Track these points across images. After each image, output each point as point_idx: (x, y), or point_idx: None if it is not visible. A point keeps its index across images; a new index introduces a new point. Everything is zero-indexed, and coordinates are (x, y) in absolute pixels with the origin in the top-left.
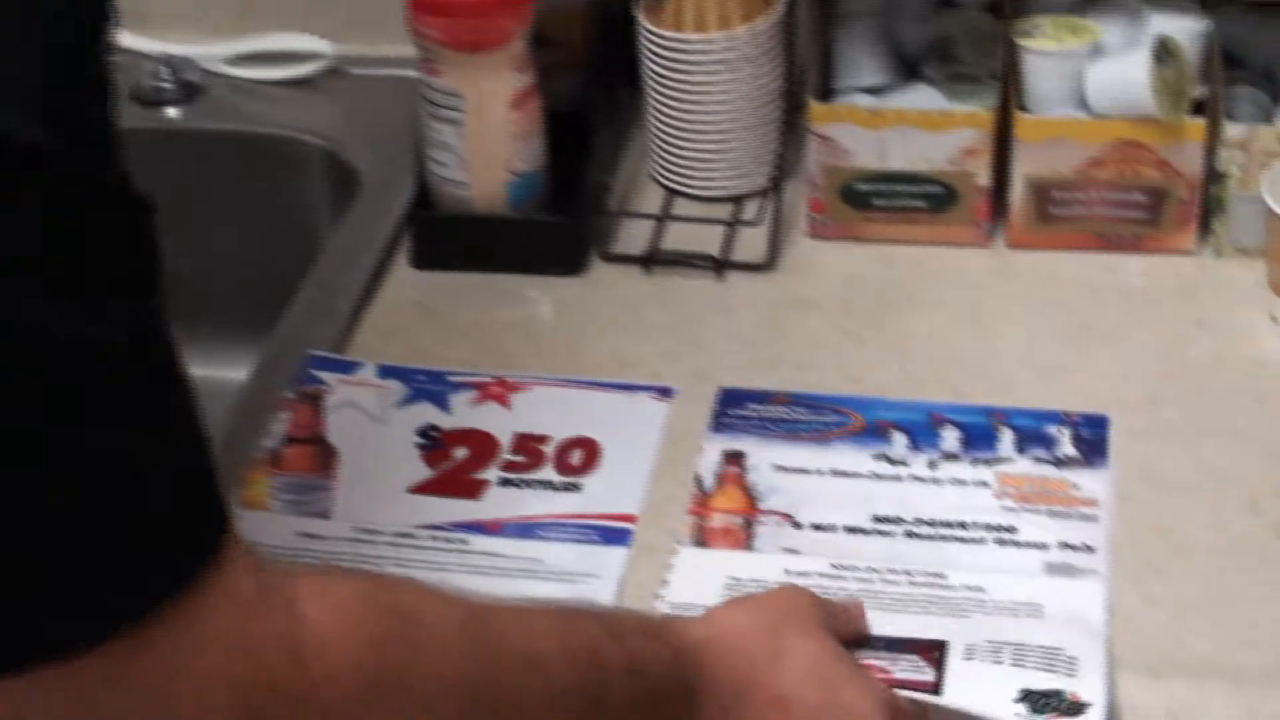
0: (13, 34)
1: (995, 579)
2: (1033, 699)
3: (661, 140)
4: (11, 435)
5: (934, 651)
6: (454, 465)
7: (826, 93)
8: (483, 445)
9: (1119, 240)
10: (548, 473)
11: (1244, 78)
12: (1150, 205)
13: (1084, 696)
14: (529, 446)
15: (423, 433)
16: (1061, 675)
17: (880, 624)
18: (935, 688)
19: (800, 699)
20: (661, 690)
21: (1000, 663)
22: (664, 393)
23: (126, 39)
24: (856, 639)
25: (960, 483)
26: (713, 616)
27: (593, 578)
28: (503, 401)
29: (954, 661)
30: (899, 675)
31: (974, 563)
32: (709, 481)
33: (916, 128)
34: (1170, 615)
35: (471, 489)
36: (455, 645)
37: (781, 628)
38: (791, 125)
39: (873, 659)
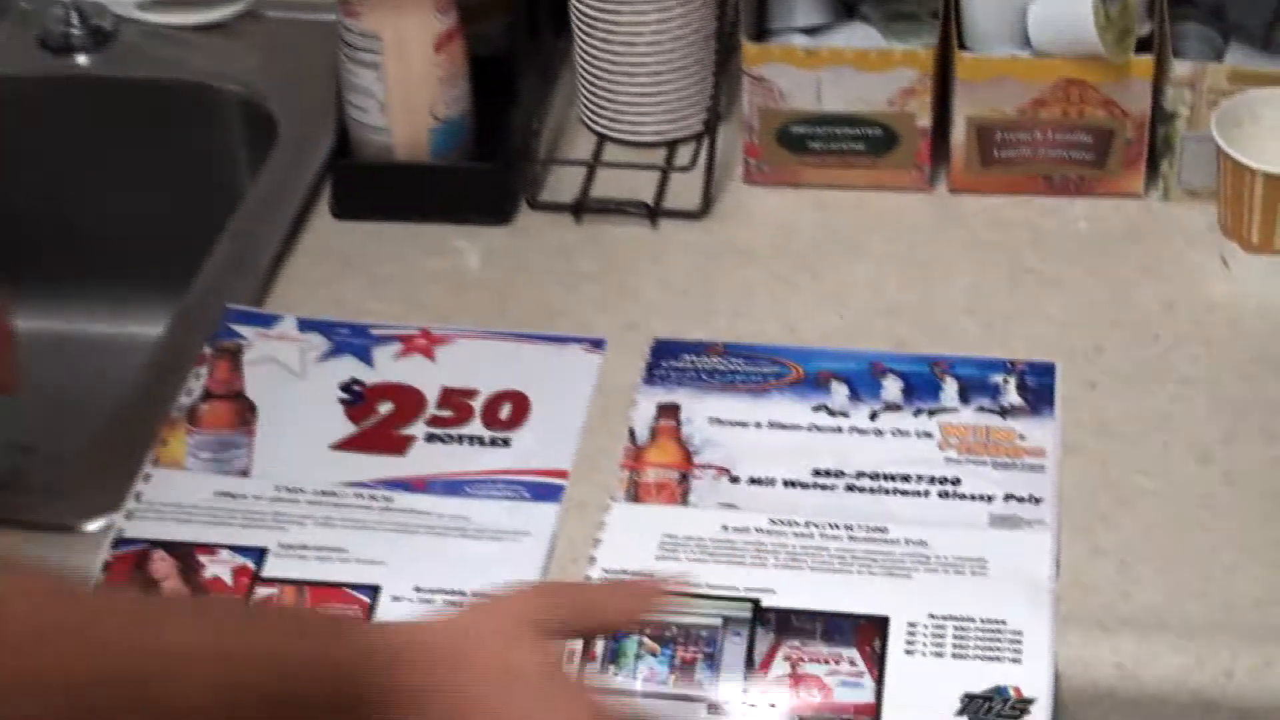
0: None
1: (939, 533)
2: (974, 708)
3: (591, 84)
4: None
5: (874, 639)
6: (378, 421)
7: (761, 33)
8: (408, 400)
9: (1064, 183)
10: (475, 427)
11: (1191, 14)
12: (1096, 146)
13: (1027, 690)
14: (456, 401)
15: (345, 388)
16: (1005, 661)
17: (820, 586)
18: (875, 712)
19: (502, 708)
20: (329, 695)
21: (941, 653)
22: (595, 344)
23: None
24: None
25: (902, 434)
26: (427, 621)
27: (524, 535)
28: (428, 355)
29: (894, 660)
30: (839, 697)
31: (917, 516)
32: (643, 435)
33: (854, 68)
34: (1118, 567)
35: (396, 445)
36: (51, 640)
37: (502, 636)
38: (725, 67)
39: (810, 668)
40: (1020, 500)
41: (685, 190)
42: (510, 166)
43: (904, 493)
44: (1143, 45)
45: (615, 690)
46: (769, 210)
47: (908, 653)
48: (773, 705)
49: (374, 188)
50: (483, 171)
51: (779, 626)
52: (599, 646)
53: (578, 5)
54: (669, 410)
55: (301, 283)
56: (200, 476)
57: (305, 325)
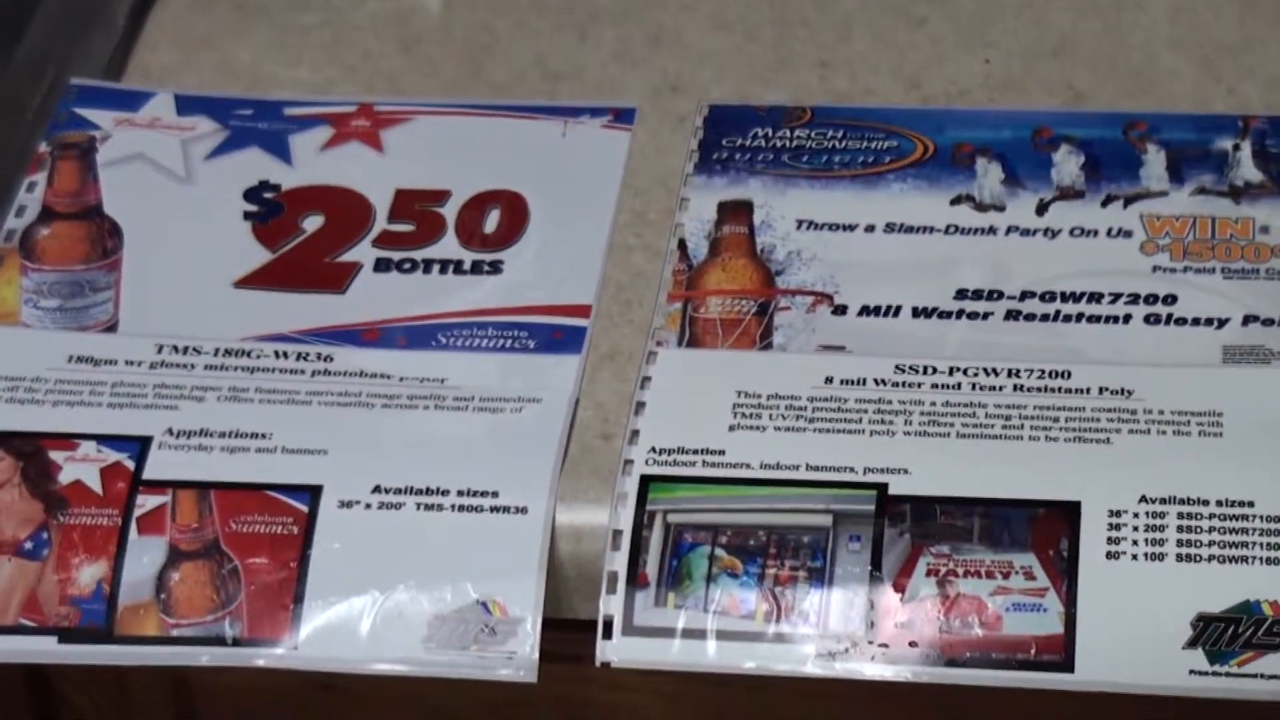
0: None
1: (1148, 376)
2: (1211, 635)
3: None
4: None
5: (1059, 539)
6: (303, 242)
7: None
8: (346, 210)
9: None
10: (448, 247)
11: None
12: None
13: None
14: (417, 209)
15: (253, 195)
16: (1256, 564)
17: (974, 463)
18: (1066, 647)
19: None
20: None
21: (1161, 555)
22: (620, 116)
23: None
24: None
25: (1087, 233)
26: None
27: (529, 402)
28: (372, 142)
29: (1091, 569)
30: (1011, 628)
31: (1114, 352)
32: (699, 249)
33: None
34: None
35: (332, 278)
36: None
37: None
38: None
39: (967, 584)
40: (1267, 323)
41: None
42: None
43: (1093, 319)
44: None
45: (678, 630)
46: None
47: (1111, 556)
48: (913, 644)
49: None
50: None
51: (917, 524)
52: (651, 563)
53: None
54: (737, 210)
55: (177, 41)
56: (45, 335)
57: (187, 104)
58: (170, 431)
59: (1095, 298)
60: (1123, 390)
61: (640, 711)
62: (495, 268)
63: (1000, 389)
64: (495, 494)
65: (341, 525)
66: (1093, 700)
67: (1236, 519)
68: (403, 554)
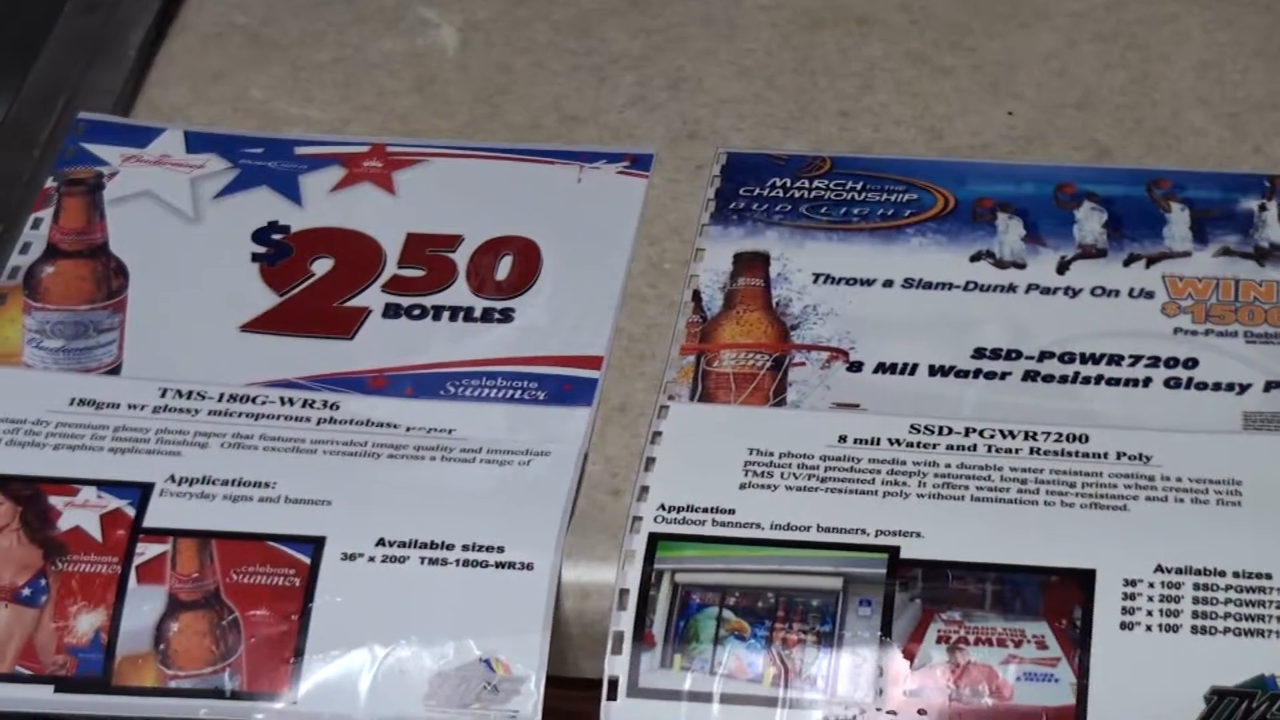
0: None
1: (1166, 442)
2: (1225, 710)
3: None
4: None
5: (1073, 608)
6: (311, 285)
7: None
8: (356, 253)
9: None
10: (459, 294)
11: None
12: None
13: None
14: (428, 254)
15: (262, 236)
16: (1272, 637)
17: (988, 528)
18: (1077, 718)
19: None
20: None
21: (1176, 626)
22: (637, 162)
23: None
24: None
25: (1108, 293)
26: None
27: (538, 455)
28: (384, 184)
29: (1104, 639)
30: (1021, 698)
31: (1133, 417)
32: (714, 301)
33: None
34: None
35: (341, 323)
36: None
37: None
38: None
39: (978, 652)
40: None
41: None
42: None
43: (1113, 381)
44: None
45: (684, 693)
46: None
47: (1125, 626)
48: (922, 712)
49: None
50: None
51: (928, 589)
52: (657, 624)
53: None
54: (753, 262)
55: (188, 76)
56: (47, 376)
57: (197, 142)
58: (172, 478)
59: (1115, 360)
60: (1141, 456)
61: None
62: (506, 316)
63: (1016, 451)
64: (501, 549)
65: (344, 578)
66: None
67: (1253, 590)
68: (406, 609)
